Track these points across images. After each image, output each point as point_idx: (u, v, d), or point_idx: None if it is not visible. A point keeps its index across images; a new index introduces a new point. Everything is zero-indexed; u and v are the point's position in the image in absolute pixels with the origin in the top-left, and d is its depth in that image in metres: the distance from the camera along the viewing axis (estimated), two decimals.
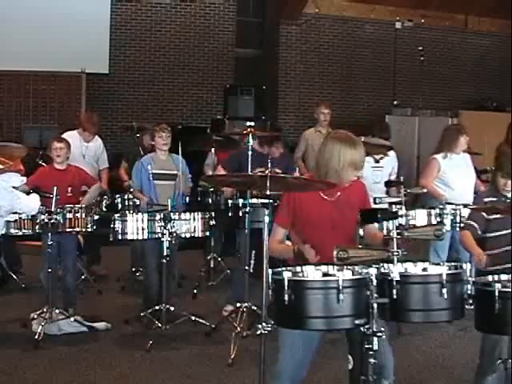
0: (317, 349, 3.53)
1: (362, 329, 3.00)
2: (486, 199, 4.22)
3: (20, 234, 5.73)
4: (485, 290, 3.03)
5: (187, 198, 6.66)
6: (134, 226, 5.67)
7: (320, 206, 3.53)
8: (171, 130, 6.32)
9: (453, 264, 3.14)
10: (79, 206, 5.87)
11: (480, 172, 6.82)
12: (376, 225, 3.75)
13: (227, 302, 6.14)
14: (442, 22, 13.99)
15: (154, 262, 5.94)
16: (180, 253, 6.29)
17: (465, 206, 5.83)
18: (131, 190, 6.60)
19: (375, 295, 2.95)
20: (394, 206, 5.36)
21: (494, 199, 4.16)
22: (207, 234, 5.99)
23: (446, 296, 2.93)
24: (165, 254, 5.62)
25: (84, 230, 5.87)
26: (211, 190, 6.88)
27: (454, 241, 6.34)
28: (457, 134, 6.54)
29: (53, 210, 5.51)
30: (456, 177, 6.46)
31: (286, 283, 2.92)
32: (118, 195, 7.00)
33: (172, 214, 5.65)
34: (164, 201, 5.86)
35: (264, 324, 3.24)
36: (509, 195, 4.17)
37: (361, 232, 3.76)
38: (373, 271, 2.98)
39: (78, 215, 5.77)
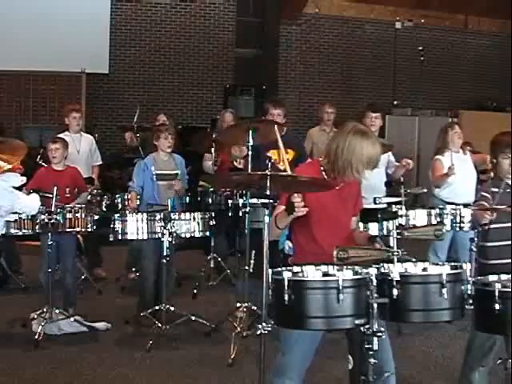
0: (320, 340, 3.47)
1: (361, 329, 3.00)
2: (493, 189, 4.13)
3: (20, 233, 5.72)
4: (485, 290, 3.03)
5: (187, 198, 6.64)
6: (134, 226, 5.68)
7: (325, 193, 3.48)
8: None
9: (453, 264, 3.14)
10: (79, 206, 5.87)
11: (480, 172, 6.81)
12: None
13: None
14: (442, 22, 13.99)
15: (152, 265, 5.95)
16: (180, 253, 6.27)
17: (465, 205, 5.82)
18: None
19: (375, 295, 2.95)
20: (393, 205, 5.36)
21: (498, 190, 4.09)
22: (207, 233, 6.00)
23: (446, 296, 2.93)
24: (165, 253, 5.63)
25: (84, 229, 5.87)
26: (211, 190, 6.88)
27: (453, 241, 6.35)
28: (446, 130, 6.59)
29: (53, 210, 5.51)
30: (457, 175, 6.44)
31: (285, 283, 2.91)
32: (117, 195, 6.99)
33: (172, 214, 5.65)
34: (166, 201, 5.85)
35: (264, 324, 3.24)
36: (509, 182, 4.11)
37: None
38: (373, 271, 2.98)
39: (78, 215, 5.76)
